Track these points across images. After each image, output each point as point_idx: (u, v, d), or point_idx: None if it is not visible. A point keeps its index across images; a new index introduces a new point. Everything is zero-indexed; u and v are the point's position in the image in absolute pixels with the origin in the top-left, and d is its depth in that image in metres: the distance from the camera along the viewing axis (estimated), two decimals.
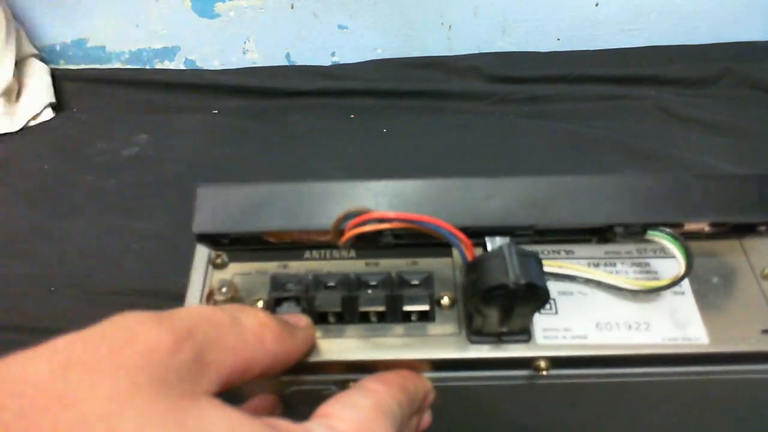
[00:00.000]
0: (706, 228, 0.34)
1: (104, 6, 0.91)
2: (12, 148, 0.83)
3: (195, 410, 0.22)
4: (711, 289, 0.34)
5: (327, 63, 0.98)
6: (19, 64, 0.88)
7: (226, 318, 0.26)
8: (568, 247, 0.35)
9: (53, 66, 0.95)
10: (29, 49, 0.91)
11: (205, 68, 0.99)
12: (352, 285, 0.34)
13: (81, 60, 0.98)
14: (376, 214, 0.29)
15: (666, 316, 0.33)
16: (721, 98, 0.87)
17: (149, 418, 0.20)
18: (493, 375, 0.33)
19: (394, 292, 0.34)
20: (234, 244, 0.34)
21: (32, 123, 0.87)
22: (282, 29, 0.94)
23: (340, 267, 0.35)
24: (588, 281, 0.34)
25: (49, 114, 0.88)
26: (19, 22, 0.91)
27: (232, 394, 0.31)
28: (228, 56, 0.98)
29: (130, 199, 0.75)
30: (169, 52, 0.97)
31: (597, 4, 0.91)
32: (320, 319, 0.33)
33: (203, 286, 0.35)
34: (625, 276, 0.34)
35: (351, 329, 0.33)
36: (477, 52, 0.96)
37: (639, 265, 0.35)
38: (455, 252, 0.32)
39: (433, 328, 0.33)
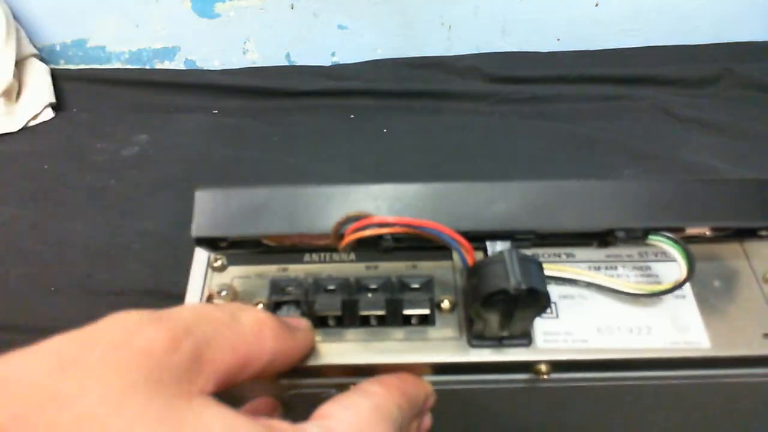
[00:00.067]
0: (708, 232, 0.34)
1: (104, 6, 0.91)
2: (12, 148, 0.83)
3: (191, 410, 0.22)
4: (712, 293, 0.34)
5: (327, 63, 0.98)
6: (19, 64, 0.88)
7: (224, 315, 0.26)
8: (568, 250, 0.35)
9: (53, 66, 0.95)
10: (29, 49, 0.91)
11: (205, 68, 0.99)
12: (352, 288, 0.34)
13: (81, 60, 0.98)
14: (376, 219, 0.29)
15: (667, 320, 0.33)
16: (720, 98, 0.87)
17: (144, 419, 0.20)
18: (493, 379, 0.33)
19: (394, 295, 0.34)
20: (233, 248, 0.34)
21: (32, 123, 0.86)
22: (282, 29, 0.94)
23: (340, 270, 0.35)
24: (589, 285, 0.34)
25: (49, 114, 0.88)
26: (19, 22, 0.91)
27: (231, 395, 0.31)
28: (228, 56, 0.97)
29: (130, 199, 0.74)
30: (169, 52, 0.97)
31: (597, 4, 0.91)
32: (320, 322, 0.33)
33: (202, 290, 0.35)
34: (626, 280, 0.34)
35: (351, 333, 0.33)
36: (477, 52, 0.96)
37: (640, 268, 0.35)
38: (455, 255, 0.32)
39: (434, 332, 0.33)
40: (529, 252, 0.34)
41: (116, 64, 0.99)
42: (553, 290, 0.34)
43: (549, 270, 0.32)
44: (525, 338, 0.32)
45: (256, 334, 0.26)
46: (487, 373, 0.33)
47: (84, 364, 0.21)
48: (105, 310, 0.23)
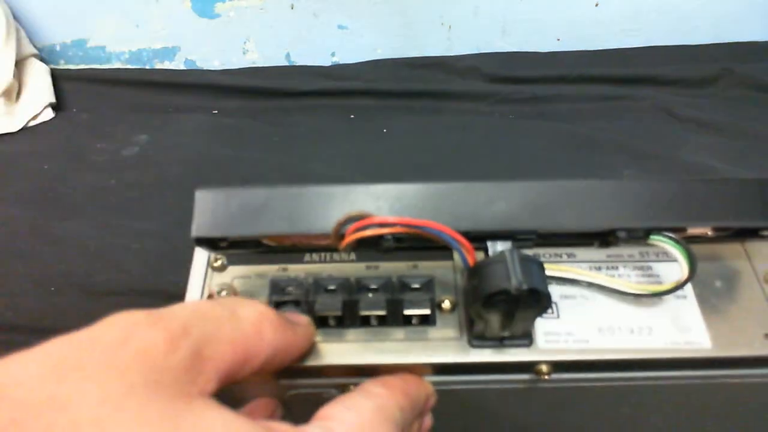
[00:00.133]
0: (709, 232, 0.34)
1: (104, 6, 0.91)
2: (12, 148, 0.83)
3: (190, 412, 0.21)
4: (714, 293, 0.34)
5: (327, 63, 0.98)
6: (19, 64, 0.88)
7: (223, 311, 0.25)
8: (569, 250, 0.35)
9: (53, 66, 0.95)
10: (29, 49, 0.91)
11: (205, 68, 0.99)
12: (353, 289, 0.34)
13: (81, 60, 0.98)
14: (377, 219, 0.28)
15: (668, 320, 0.33)
16: (720, 98, 0.87)
17: (144, 421, 0.20)
18: (494, 379, 0.33)
19: (395, 295, 0.33)
20: (233, 248, 0.34)
21: (32, 123, 0.87)
22: (282, 29, 0.94)
23: (341, 270, 0.35)
24: (590, 285, 0.34)
25: (49, 114, 0.88)
26: (19, 22, 0.91)
27: (231, 396, 0.31)
28: (228, 56, 0.98)
29: (130, 199, 0.74)
30: (169, 52, 0.97)
31: (597, 4, 0.91)
32: (320, 322, 0.33)
33: (202, 290, 0.35)
34: (628, 280, 0.34)
35: (351, 333, 0.33)
36: (477, 52, 0.96)
37: (641, 268, 0.35)
38: (456, 255, 0.31)
39: (434, 332, 0.33)
40: (530, 252, 0.34)
41: (116, 64, 0.99)
42: (554, 290, 0.33)
43: (550, 270, 0.32)
44: (526, 338, 0.32)
45: (257, 328, 0.26)
46: (488, 373, 0.33)
47: (82, 368, 0.21)
48: (105, 310, 0.23)
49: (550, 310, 0.33)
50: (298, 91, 0.90)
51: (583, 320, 0.33)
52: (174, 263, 0.63)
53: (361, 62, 0.96)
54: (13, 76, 0.85)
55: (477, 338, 0.32)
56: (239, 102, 0.91)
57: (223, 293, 0.34)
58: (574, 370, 0.32)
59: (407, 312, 0.32)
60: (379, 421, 0.26)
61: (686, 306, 0.33)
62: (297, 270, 0.35)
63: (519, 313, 0.29)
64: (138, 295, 0.63)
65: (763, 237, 0.33)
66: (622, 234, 0.31)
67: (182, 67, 0.99)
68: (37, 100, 0.88)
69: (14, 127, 0.85)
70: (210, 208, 0.31)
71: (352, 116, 0.88)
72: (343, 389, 0.33)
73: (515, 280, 0.27)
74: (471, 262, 0.29)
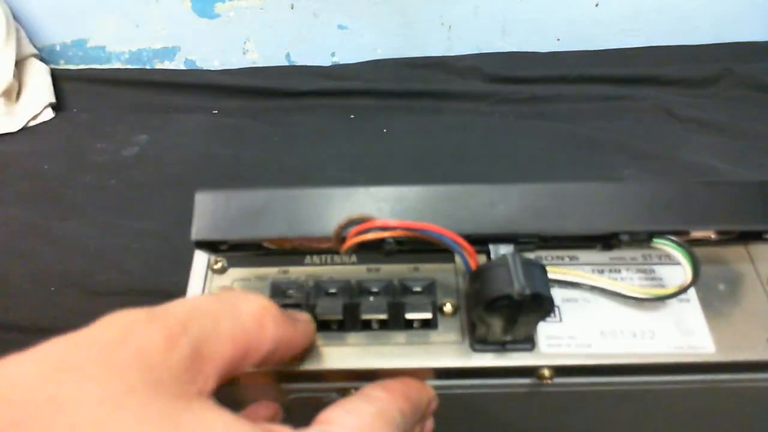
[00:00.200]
0: (713, 235, 0.33)
1: (104, 6, 0.91)
2: (12, 148, 0.83)
3: (190, 412, 0.21)
4: (717, 297, 0.33)
5: (327, 63, 0.98)
6: (19, 64, 0.88)
7: (223, 306, 0.25)
8: (572, 253, 0.35)
9: (53, 66, 0.95)
10: (29, 49, 0.91)
11: (205, 68, 0.99)
12: (354, 292, 0.34)
13: (81, 60, 0.98)
14: (378, 222, 0.28)
15: (671, 323, 0.32)
16: (721, 98, 0.87)
17: (143, 422, 0.20)
18: (496, 383, 0.33)
19: (396, 299, 0.33)
20: (233, 250, 0.33)
21: (32, 123, 0.86)
22: (282, 29, 0.94)
23: (341, 273, 0.35)
24: (593, 288, 0.34)
25: (49, 114, 0.88)
26: (19, 22, 0.91)
27: (232, 398, 0.30)
28: (228, 56, 0.97)
29: (130, 199, 0.74)
30: (169, 52, 0.97)
31: (597, 4, 0.91)
32: (321, 326, 0.32)
33: (202, 292, 0.35)
34: (630, 283, 0.34)
35: (352, 336, 0.33)
36: (477, 52, 0.96)
37: (644, 271, 0.34)
38: (458, 258, 0.31)
39: (436, 336, 0.33)
40: (532, 255, 0.33)
41: (116, 64, 0.99)
42: (557, 293, 0.33)
43: (552, 273, 0.32)
44: (528, 342, 0.32)
45: (258, 321, 0.25)
46: (490, 377, 0.33)
47: (80, 368, 0.21)
48: (105, 310, 0.23)
49: (552, 314, 0.33)
50: (298, 91, 0.90)
51: (585, 324, 0.33)
52: (174, 263, 0.63)
53: (361, 62, 0.96)
54: (13, 76, 0.85)
55: (479, 342, 0.32)
56: (239, 102, 0.91)
57: None
58: (577, 374, 0.32)
59: (409, 316, 0.32)
60: (380, 425, 0.26)
61: (689, 309, 0.33)
62: (298, 272, 0.35)
63: (521, 318, 0.28)
64: (138, 295, 0.63)
65: (766, 240, 0.33)
66: (625, 237, 0.31)
67: (182, 67, 0.99)
68: (37, 100, 0.87)
69: (14, 127, 0.85)
70: (210, 211, 0.30)
71: (352, 116, 0.88)
72: (344, 393, 0.33)
73: (518, 284, 0.26)
74: (473, 265, 0.29)
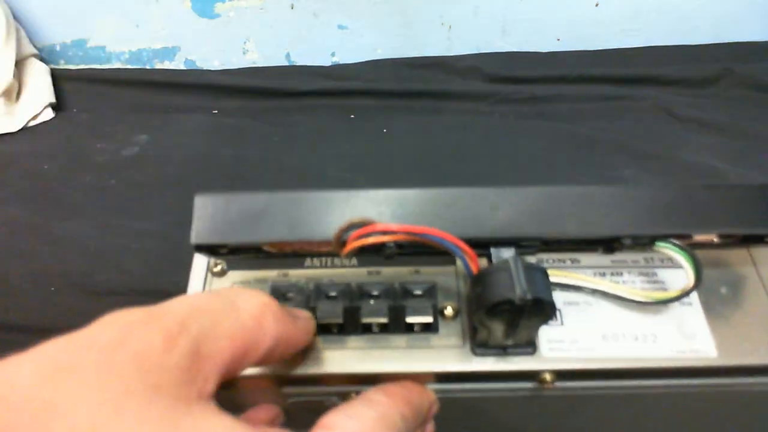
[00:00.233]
0: (715, 239, 0.33)
1: (104, 6, 0.91)
2: (12, 148, 0.83)
3: (190, 416, 0.21)
4: (719, 300, 0.33)
5: (327, 63, 0.98)
6: (19, 64, 0.88)
7: (223, 303, 0.25)
8: (573, 255, 0.35)
9: (53, 66, 0.95)
10: (29, 49, 0.91)
11: (205, 68, 0.99)
12: (354, 295, 0.33)
13: (81, 60, 0.98)
14: (379, 227, 0.28)
15: (673, 327, 0.32)
16: (721, 98, 0.87)
17: (141, 427, 0.20)
18: (497, 387, 0.33)
19: (397, 302, 0.33)
20: (233, 253, 0.33)
21: (32, 123, 0.86)
22: (282, 29, 0.94)
23: (342, 276, 0.35)
24: (594, 291, 0.33)
25: (49, 114, 0.88)
26: (19, 22, 0.91)
27: (232, 401, 0.30)
28: (228, 56, 0.97)
29: (130, 199, 0.74)
30: (169, 52, 0.97)
31: (597, 4, 0.91)
32: (322, 329, 0.32)
33: None
34: (632, 286, 0.33)
35: (353, 340, 0.32)
36: (477, 52, 0.96)
37: (646, 274, 0.34)
38: (458, 260, 0.31)
39: (437, 340, 0.32)
40: (533, 257, 0.33)
41: (116, 64, 0.99)
42: (558, 297, 0.33)
43: (554, 276, 0.32)
44: (529, 346, 0.32)
45: (257, 319, 0.25)
46: (491, 381, 0.32)
47: (78, 371, 0.20)
48: (105, 310, 0.23)
49: (554, 318, 0.33)
50: (298, 91, 0.90)
51: (587, 327, 0.32)
52: (174, 263, 0.63)
53: (361, 62, 0.96)
54: (13, 76, 0.85)
55: (480, 346, 0.32)
56: (239, 102, 0.91)
57: None
58: (579, 378, 0.32)
59: (409, 320, 0.32)
60: (381, 430, 0.26)
61: (691, 313, 0.33)
62: (298, 275, 0.35)
63: (523, 322, 0.28)
64: (138, 295, 0.63)
65: None
66: (627, 241, 0.30)
67: (182, 67, 0.99)
68: (37, 100, 0.87)
69: (14, 127, 0.85)
70: (209, 214, 0.30)
71: (352, 116, 0.88)
72: (345, 397, 0.32)
73: (519, 289, 0.26)
74: (474, 269, 0.29)
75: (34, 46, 0.93)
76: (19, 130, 0.85)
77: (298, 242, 0.31)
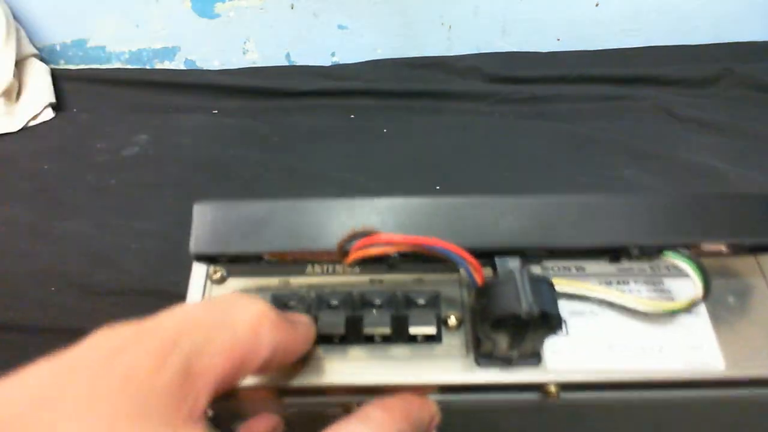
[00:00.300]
0: (723, 248, 0.32)
1: (104, 6, 0.91)
2: (12, 148, 0.83)
3: None
4: (726, 310, 0.33)
5: (327, 63, 0.98)
6: (19, 64, 0.88)
7: (216, 316, 0.24)
8: (579, 263, 0.34)
9: (53, 66, 0.95)
10: (29, 49, 0.91)
11: (205, 68, 0.99)
12: (356, 304, 0.33)
13: (81, 60, 0.98)
14: (383, 237, 0.28)
15: (680, 338, 0.32)
16: (721, 98, 0.87)
17: None
18: (501, 398, 0.32)
19: (400, 312, 0.32)
20: (233, 261, 0.33)
21: (32, 123, 0.86)
22: (282, 29, 0.94)
23: (344, 284, 0.34)
24: (600, 301, 0.33)
25: (49, 114, 0.88)
26: (19, 22, 0.91)
27: (233, 411, 0.30)
28: (228, 56, 0.97)
29: (130, 199, 0.74)
30: (169, 52, 0.97)
31: (597, 4, 0.91)
32: (323, 339, 0.32)
33: None
34: (639, 295, 0.33)
35: (355, 350, 0.32)
36: (477, 52, 0.96)
37: (653, 283, 0.34)
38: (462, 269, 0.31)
39: (440, 350, 0.32)
40: (538, 265, 0.33)
41: (116, 64, 0.99)
42: (564, 306, 0.32)
43: (559, 285, 0.31)
44: (534, 357, 0.31)
45: (254, 330, 0.25)
46: (495, 392, 0.32)
47: (66, 396, 0.20)
48: (105, 310, 0.23)
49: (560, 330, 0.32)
50: (298, 91, 0.90)
51: (593, 338, 0.32)
52: (174, 263, 0.63)
53: (361, 62, 0.96)
54: (13, 76, 0.85)
55: (484, 357, 0.31)
56: (239, 102, 0.91)
57: None
58: (584, 389, 0.32)
59: (413, 331, 0.31)
60: None
61: (698, 323, 0.32)
62: (299, 283, 0.34)
63: (529, 335, 0.28)
64: (138, 295, 0.63)
65: None
66: (635, 251, 0.30)
67: (182, 67, 0.99)
68: (37, 100, 0.87)
69: (14, 127, 0.85)
70: (209, 222, 0.30)
71: (352, 116, 0.88)
72: (346, 408, 0.32)
73: (526, 303, 0.26)
74: (479, 281, 0.28)
75: (34, 46, 0.93)
76: (19, 130, 0.85)
77: (300, 252, 0.31)
